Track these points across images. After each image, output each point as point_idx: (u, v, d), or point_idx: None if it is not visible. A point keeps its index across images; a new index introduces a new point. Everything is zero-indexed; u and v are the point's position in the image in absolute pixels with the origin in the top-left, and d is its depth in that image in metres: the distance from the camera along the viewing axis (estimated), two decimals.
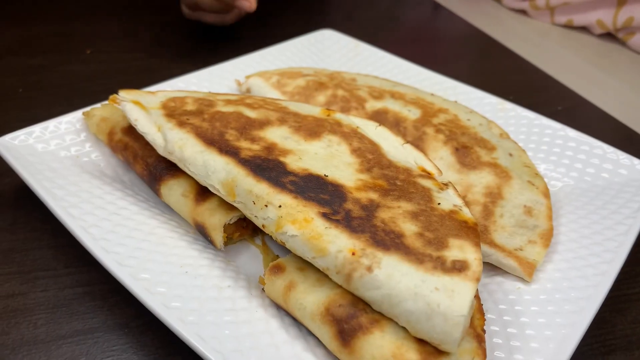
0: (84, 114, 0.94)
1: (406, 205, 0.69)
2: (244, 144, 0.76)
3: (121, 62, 1.39)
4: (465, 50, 1.69)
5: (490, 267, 0.81)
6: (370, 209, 0.67)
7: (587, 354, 0.75)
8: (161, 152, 0.75)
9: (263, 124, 0.83)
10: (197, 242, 0.79)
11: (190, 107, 0.84)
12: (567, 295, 0.74)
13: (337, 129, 0.83)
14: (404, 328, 0.62)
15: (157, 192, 0.84)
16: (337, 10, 1.90)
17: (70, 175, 0.85)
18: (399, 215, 0.66)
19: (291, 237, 0.63)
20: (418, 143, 0.95)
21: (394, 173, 0.77)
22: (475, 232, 0.67)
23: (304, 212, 0.65)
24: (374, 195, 0.70)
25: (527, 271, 0.76)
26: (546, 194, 0.88)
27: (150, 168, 0.84)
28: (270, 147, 0.77)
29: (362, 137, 0.83)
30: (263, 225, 0.69)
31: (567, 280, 0.77)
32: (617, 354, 0.75)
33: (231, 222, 0.78)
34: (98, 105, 0.97)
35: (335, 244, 0.60)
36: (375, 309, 0.58)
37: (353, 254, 0.59)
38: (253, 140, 0.78)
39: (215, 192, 0.74)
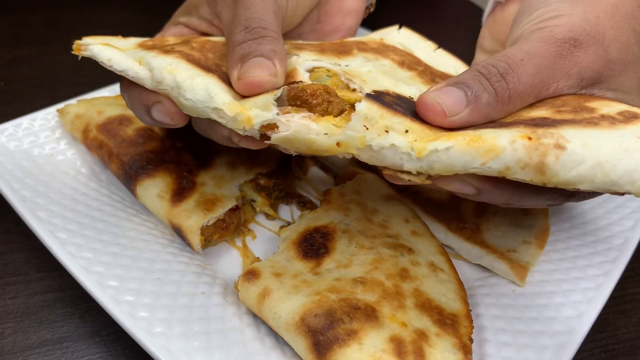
0: (58, 111, 0.90)
1: None
2: None
3: None
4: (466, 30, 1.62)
5: (483, 269, 0.76)
6: None
7: None
8: (148, 84, 0.61)
9: None
10: (172, 245, 0.75)
11: (173, 41, 0.70)
12: (567, 299, 0.69)
13: (362, 46, 0.74)
14: (384, 339, 0.57)
15: (133, 192, 0.80)
16: None
17: (41, 175, 0.81)
18: (519, 111, 0.56)
19: (444, 151, 0.49)
20: None
21: None
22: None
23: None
24: None
25: (520, 275, 0.71)
26: None
27: (125, 167, 0.80)
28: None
29: (394, 49, 0.75)
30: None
31: (566, 282, 0.72)
32: None
33: (209, 224, 0.74)
34: (73, 101, 0.93)
35: (502, 137, 0.48)
36: (582, 189, 0.48)
37: (529, 138, 0.48)
38: None
39: (218, 118, 0.58)
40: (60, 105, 0.93)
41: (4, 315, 0.70)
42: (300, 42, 0.77)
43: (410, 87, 0.66)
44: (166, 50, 0.64)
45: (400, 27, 0.82)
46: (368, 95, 0.54)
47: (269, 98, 0.57)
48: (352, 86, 0.63)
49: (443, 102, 0.52)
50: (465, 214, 0.80)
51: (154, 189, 0.77)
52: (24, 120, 0.90)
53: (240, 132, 0.57)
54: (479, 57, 0.85)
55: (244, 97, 0.60)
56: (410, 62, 0.72)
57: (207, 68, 0.62)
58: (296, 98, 0.57)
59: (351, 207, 0.78)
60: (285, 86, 0.58)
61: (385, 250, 0.70)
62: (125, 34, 1.35)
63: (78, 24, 1.48)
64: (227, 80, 0.61)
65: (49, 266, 0.77)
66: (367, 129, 0.52)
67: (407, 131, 0.52)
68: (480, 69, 0.54)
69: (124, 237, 0.73)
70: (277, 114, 0.55)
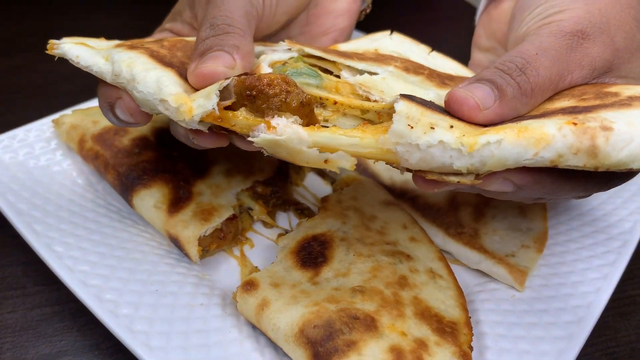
0: (53, 121, 0.90)
1: None
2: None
3: None
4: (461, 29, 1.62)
5: (482, 274, 0.76)
6: None
7: None
8: (108, 78, 0.60)
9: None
10: (170, 256, 0.75)
11: (148, 40, 0.69)
12: (566, 304, 0.69)
13: (360, 56, 0.72)
14: (383, 349, 0.57)
15: (129, 202, 0.80)
16: None
17: (37, 187, 0.80)
18: (544, 103, 0.57)
19: (496, 144, 0.48)
20: None
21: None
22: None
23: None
24: None
25: (519, 280, 0.70)
26: None
27: (121, 178, 0.80)
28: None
29: (392, 57, 0.74)
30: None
31: (565, 286, 0.71)
32: None
33: (206, 234, 0.74)
34: (68, 111, 0.92)
35: (548, 125, 0.47)
36: (635, 168, 0.47)
37: (574, 124, 0.47)
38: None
39: (164, 110, 0.56)
40: (56, 116, 0.92)
41: (2, 330, 0.70)
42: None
43: (428, 92, 0.65)
44: (134, 47, 0.63)
45: (392, 32, 0.81)
46: (403, 95, 0.51)
47: (214, 87, 0.54)
48: (372, 98, 0.62)
49: (475, 95, 0.52)
50: (463, 218, 0.80)
51: (151, 200, 0.77)
52: (19, 132, 0.89)
53: (183, 125, 0.55)
54: (476, 56, 0.85)
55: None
56: (414, 67, 0.71)
57: (168, 64, 0.60)
58: (251, 88, 0.54)
59: (349, 214, 0.78)
60: (235, 76, 0.55)
61: (383, 257, 0.70)
62: (120, 39, 1.34)
63: (73, 31, 1.45)
64: (187, 76, 0.60)
65: (46, 279, 0.76)
66: (412, 127, 0.49)
67: (452, 127, 0.50)
68: (499, 66, 0.55)
69: (121, 249, 0.73)
70: (218, 103, 0.53)
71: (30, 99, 1.18)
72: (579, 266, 0.74)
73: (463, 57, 0.87)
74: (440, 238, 0.78)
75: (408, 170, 0.52)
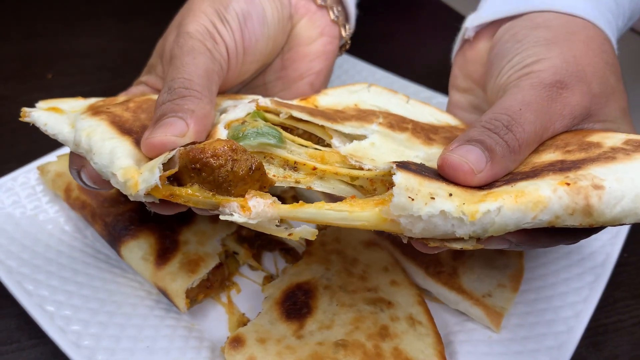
0: (38, 168, 0.91)
1: None
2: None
3: (84, 84, 1.34)
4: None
5: (462, 312, 0.79)
6: None
7: None
8: (71, 147, 0.61)
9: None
10: (159, 307, 0.77)
11: (120, 100, 0.70)
12: (540, 345, 0.72)
13: (342, 115, 0.72)
14: None
15: (118, 253, 0.81)
16: None
17: (25, 239, 0.82)
18: (529, 158, 0.59)
19: (496, 211, 0.49)
20: None
21: (449, 133, 0.72)
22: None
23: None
24: None
25: (495, 321, 0.74)
26: None
27: (109, 228, 0.82)
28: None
29: (373, 112, 0.75)
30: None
31: (540, 325, 0.75)
32: None
33: (194, 286, 0.76)
34: (54, 157, 0.93)
35: (543, 187, 0.49)
36: (628, 223, 0.49)
37: (567, 184, 0.49)
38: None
39: (115, 184, 0.55)
40: (41, 161, 0.93)
41: None
42: (288, 102, 0.74)
43: (417, 152, 0.66)
44: (98, 111, 0.63)
45: (369, 84, 0.82)
46: (399, 165, 0.52)
47: (158, 160, 0.53)
48: (365, 167, 0.62)
49: (469, 160, 0.53)
50: (442, 256, 0.82)
51: (139, 251, 0.79)
52: (6, 181, 0.90)
53: (132, 199, 0.55)
54: (454, 96, 0.86)
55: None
56: (397, 122, 0.72)
57: (127, 131, 0.60)
58: (195, 161, 0.52)
59: (332, 259, 0.80)
60: (180, 147, 0.54)
61: (365, 307, 0.73)
62: (100, 62, 1.34)
63: (53, 55, 1.46)
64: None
65: (41, 332, 0.77)
66: (413, 200, 0.49)
67: (451, 195, 0.51)
68: (486, 125, 0.57)
69: (112, 303, 0.75)
70: (160, 177, 0.52)
71: (14, 133, 1.18)
72: (554, 303, 0.77)
73: (446, 65, 0.88)
74: (421, 277, 0.81)
75: (410, 238, 0.54)
